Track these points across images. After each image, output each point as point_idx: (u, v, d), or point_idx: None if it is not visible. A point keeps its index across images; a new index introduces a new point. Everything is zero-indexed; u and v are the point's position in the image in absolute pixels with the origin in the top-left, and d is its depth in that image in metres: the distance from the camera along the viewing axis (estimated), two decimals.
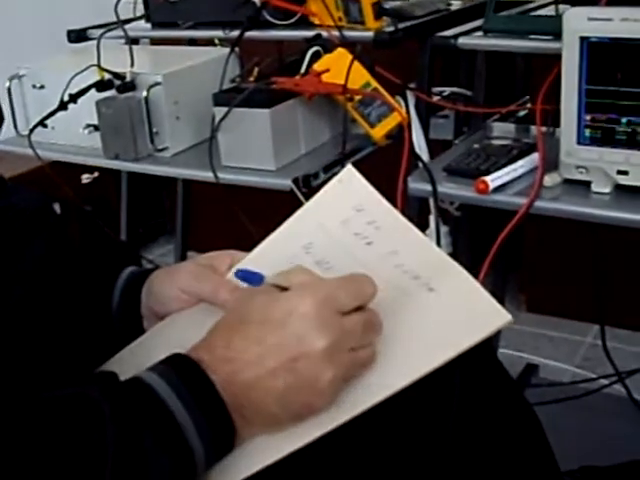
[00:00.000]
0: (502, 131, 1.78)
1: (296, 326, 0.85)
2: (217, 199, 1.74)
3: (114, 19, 1.98)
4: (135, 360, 0.99)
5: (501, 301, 2.21)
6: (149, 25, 2.09)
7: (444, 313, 0.93)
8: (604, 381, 2.27)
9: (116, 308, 1.13)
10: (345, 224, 1.04)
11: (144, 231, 3.46)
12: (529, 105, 1.82)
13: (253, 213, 1.69)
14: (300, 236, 1.06)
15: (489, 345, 1.14)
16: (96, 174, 3.11)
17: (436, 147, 1.79)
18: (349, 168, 1.08)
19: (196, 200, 2.53)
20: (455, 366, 0.92)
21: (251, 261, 1.07)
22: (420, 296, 0.95)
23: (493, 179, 1.45)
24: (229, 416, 0.83)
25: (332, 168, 1.64)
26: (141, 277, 1.13)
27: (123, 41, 2.00)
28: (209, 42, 2.15)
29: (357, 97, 1.61)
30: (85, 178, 3.10)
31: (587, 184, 1.42)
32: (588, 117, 1.38)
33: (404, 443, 1.01)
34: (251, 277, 1.01)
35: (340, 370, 0.86)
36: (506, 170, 1.47)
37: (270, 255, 1.07)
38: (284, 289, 0.91)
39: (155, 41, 2.28)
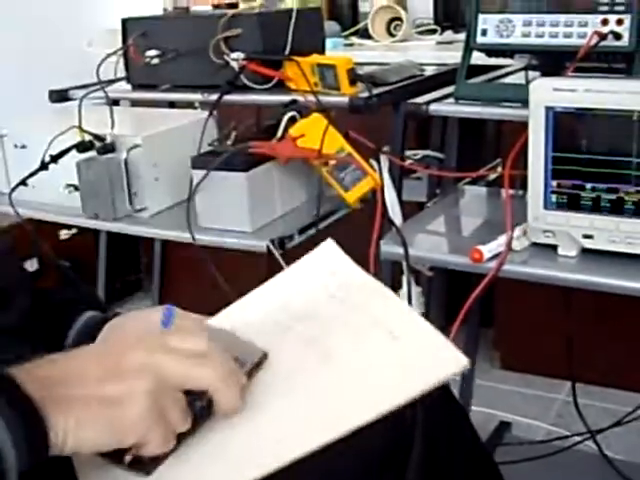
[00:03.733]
0: (473, 194, 1.83)
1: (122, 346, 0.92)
2: (193, 258, 1.77)
3: (95, 78, 2.02)
4: None
5: (473, 359, 2.24)
6: (129, 87, 2.13)
7: (403, 359, 0.97)
8: (577, 438, 2.30)
9: (70, 346, 1.15)
10: (321, 286, 1.12)
11: (121, 286, 3.47)
12: (499, 169, 1.86)
13: (229, 273, 1.71)
14: (278, 294, 1.14)
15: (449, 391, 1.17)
16: (74, 230, 3.14)
17: (410, 208, 1.83)
18: (329, 240, 1.17)
19: (173, 257, 2.57)
20: (417, 415, 0.99)
21: (225, 316, 1.14)
22: (382, 342, 1.00)
23: (489, 250, 1.48)
24: (29, 397, 0.82)
25: (307, 230, 1.67)
26: (101, 321, 1.15)
27: (104, 101, 2.05)
28: (189, 105, 2.20)
29: (332, 162, 1.66)
30: (63, 234, 3.12)
31: (554, 248, 1.46)
32: (554, 183, 1.42)
33: None
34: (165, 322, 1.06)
35: (157, 384, 0.87)
36: (498, 241, 1.50)
37: (245, 311, 1.14)
38: None
39: (135, 102, 2.33)
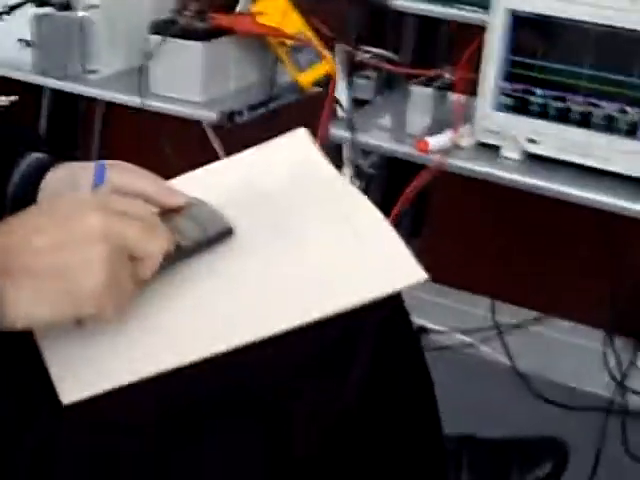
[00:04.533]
0: (422, 94, 1.85)
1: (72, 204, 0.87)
2: (135, 130, 1.76)
3: None
4: None
5: None
6: None
7: (363, 260, 0.96)
8: (488, 349, 2.36)
9: (12, 190, 1.11)
10: (288, 172, 1.09)
11: None
12: (451, 73, 1.88)
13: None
14: (243, 171, 1.11)
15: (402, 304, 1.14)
16: (13, 98, 3.08)
17: (356, 105, 1.84)
18: (303, 129, 1.13)
19: (113, 132, 2.55)
20: (369, 315, 0.95)
21: (186, 182, 1.09)
22: (346, 239, 0.98)
23: (435, 142, 1.51)
24: None
25: (257, 108, 1.69)
26: (47, 163, 1.10)
27: None
28: None
29: (289, 42, 1.66)
30: (2, 100, 3.07)
31: (498, 149, 1.49)
32: (506, 85, 1.45)
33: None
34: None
35: (113, 248, 0.83)
36: (444, 136, 1.53)
37: (209, 180, 1.11)
38: None
39: None
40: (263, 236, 1.01)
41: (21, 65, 1.85)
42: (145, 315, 0.92)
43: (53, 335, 0.89)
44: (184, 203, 1.02)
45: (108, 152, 2.57)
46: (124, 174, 1.04)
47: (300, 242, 1.00)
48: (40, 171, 1.10)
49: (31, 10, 1.75)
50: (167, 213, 1.01)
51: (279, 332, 0.90)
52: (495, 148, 1.49)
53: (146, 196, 1.02)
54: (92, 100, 2.29)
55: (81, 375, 0.89)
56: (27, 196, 1.08)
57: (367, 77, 2.15)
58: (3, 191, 1.11)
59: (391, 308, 1.00)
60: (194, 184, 1.08)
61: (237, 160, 1.13)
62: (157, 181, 1.06)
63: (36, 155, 1.13)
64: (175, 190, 1.04)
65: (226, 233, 1.00)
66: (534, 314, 2.36)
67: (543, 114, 1.43)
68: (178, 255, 0.96)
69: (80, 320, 0.86)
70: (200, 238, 0.98)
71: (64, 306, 0.82)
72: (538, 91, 1.43)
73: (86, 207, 0.85)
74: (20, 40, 1.82)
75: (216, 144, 1.82)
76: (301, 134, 1.13)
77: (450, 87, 1.84)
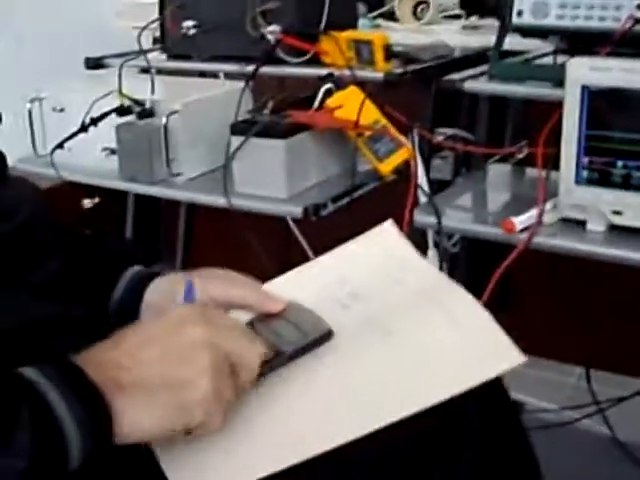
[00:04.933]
0: (500, 172, 1.87)
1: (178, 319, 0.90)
2: (219, 229, 1.79)
3: (124, 49, 2.12)
4: None
5: None
6: (164, 56, 2.17)
7: (463, 347, 0.97)
8: (587, 422, 2.33)
9: (117, 303, 1.17)
10: (379, 266, 1.11)
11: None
12: (527, 148, 1.89)
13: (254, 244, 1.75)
14: (335, 269, 1.13)
15: (502, 385, 1.17)
16: (97, 200, 3.16)
17: (433, 187, 1.86)
18: (390, 221, 1.16)
19: (196, 230, 2.60)
20: (472, 401, 0.97)
21: (281, 284, 1.12)
22: (443, 329, 1.00)
23: (521, 221, 1.52)
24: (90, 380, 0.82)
25: (340, 199, 1.71)
26: (147, 276, 1.17)
27: (136, 71, 2.10)
28: (214, 76, 2.24)
29: (367, 133, 1.69)
30: (87, 203, 3.15)
31: (583, 223, 1.50)
32: (586, 159, 1.46)
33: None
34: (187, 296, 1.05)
35: (218, 357, 0.87)
36: (529, 214, 1.54)
37: (302, 281, 1.13)
38: None
39: (163, 72, 2.36)
40: (361, 334, 1.02)
41: (107, 172, 1.90)
42: (253, 420, 0.94)
43: (169, 445, 0.91)
44: (283, 308, 1.04)
45: (192, 253, 2.62)
46: (220, 284, 1.08)
47: (399, 336, 1.00)
48: (142, 285, 1.15)
49: (113, 120, 1.81)
50: (266, 318, 1.04)
51: (386, 424, 0.90)
52: (579, 222, 1.50)
53: (246, 305, 1.05)
54: (175, 203, 2.36)
55: None
56: (131, 310, 1.14)
57: (444, 157, 2.18)
58: (106, 304, 1.16)
59: (490, 387, 1.00)
60: (289, 286, 1.11)
61: (328, 259, 1.16)
62: (254, 288, 1.09)
63: (137, 268, 1.19)
64: (273, 296, 1.07)
65: (326, 336, 1.02)
66: (631, 381, 2.33)
67: (626, 185, 1.44)
68: (280, 361, 0.98)
69: (189, 430, 0.88)
70: (301, 343, 1.00)
71: (174, 416, 0.85)
72: (619, 162, 1.44)
73: (190, 320, 0.89)
74: (105, 149, 1.88)
75: (301, 238, 1.85)
76: (388, 226, 1.16)
77: (526, 163, 1.85)
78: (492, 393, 1.09)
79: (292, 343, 1.00)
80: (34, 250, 1.12)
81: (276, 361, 0.98)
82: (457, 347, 0.97)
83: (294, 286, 1.12)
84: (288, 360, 0.99)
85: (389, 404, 0.94)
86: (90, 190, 2.16)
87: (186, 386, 0.85)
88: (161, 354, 0.86)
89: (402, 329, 1.01)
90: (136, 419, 0.83)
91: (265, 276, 1.15)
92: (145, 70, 2.08)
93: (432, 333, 1.00)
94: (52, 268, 1.13)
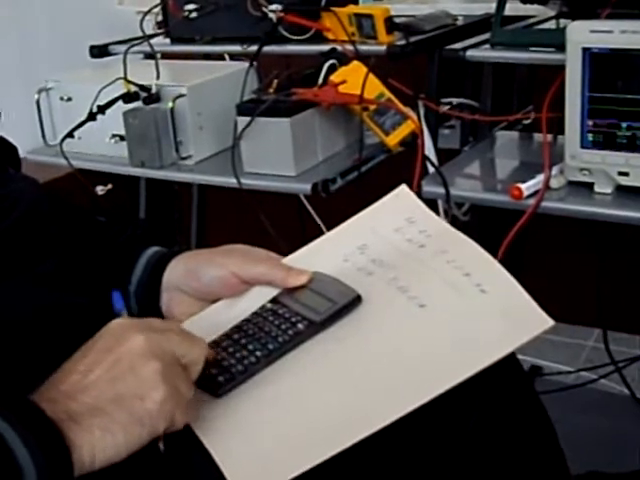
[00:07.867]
0: (507, 139, 1.87)
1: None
2: (231, 207, 1.79)
3: (127, 35, 2.13)
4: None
5: None
6: (168, 40, 2.18)
7: (492, 315, 0.96)
8: (605, 382, 2.34)
9: (136, 285, 1.17)
10: (398, 231, 1.10)
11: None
12: (533, 114, 1.90)
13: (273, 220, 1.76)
14: (354, 238, 1.12)
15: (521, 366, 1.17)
16: (110, 186, 3.18)
17: (443, 156, 1.87)
18: (403, 186, 1.15)
19: (209, 210, 2.62)
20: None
21: (301, 257, 1.12)
22: (470, 295, 0.98)
23: (528, 187, 1.52)
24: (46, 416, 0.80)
25: (348, 174, 1.72)
26: (166, 256, 1.16)
27: (141, 56, 2.11)
28: (219, 57, 2.24)
29: (372, 107, 1.70)
30: (100, 190, 3.16)
31: (590, 186, 1.51)
32: (590, 122, 1.47)
33: (421, 439, 1.03)
34: None
35: (164, 361, 0.86)
36: (536, 180, 1.54)
37: (323, 252, 1.12)
38: None
39: (167, 56, 2.37)
40: (388, 300, 1.02)
41: (117, 158, 1.92)
42: (295, 400, 0.94)
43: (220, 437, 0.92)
44: (307, 280, 1.05)
45: (206, 233, 2.64)
46: (242, 261, 1.09)
47: (426, 302, 0.99)
48: (161, 265, 1.16)
49: (121, 107, 1.83)
50: (291, 291, 1.05)
51: (426, 401, 0.89)
52: (587, 185, 1.50)
53: (270, 280, 1.06)
54: (187, 185, 2.37)
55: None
56: (152, 291, 1.15)
57: (452, 126, 2.19)
58: (125, 286, 1.17)
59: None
60: (310, 258, 1.11)
61: (346, 227, 1.15)
62: (277, 263, 1.10)
63: (154, 249, 1.20)
64: (297, 269, 1.08)
65: (355, 301, 1.01)
66: None
67: (631, 146, 1.44)
68: (313, 330, 0.99)
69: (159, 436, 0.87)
70: (330, 310, 1.00)
71: (137, 431, 0.84)
72: (624, 124, 1.44)
73: (125, 334, 0.88)
74: (114, 135, 1.90)
75: (314, 214, 1.86)
76: (403, 191, 1.15)
77: (533, 127, 1.86)
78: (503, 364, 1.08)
79: (322, 312, 1.00)
80: (37, 242, 1.12)
81: (309, 331, 0.99)
82: (488, 315, 0.96)
83: (315, 258, 1.11)
84: (320, 329, 0.99)
85: (433, 377, 0.92)
86: (102, 177, 2.17)
87: (140, 399, 0.84)
88: (107, 374, 0.85)
89: (430, 297, 0.99)
90: (100, 447, 0.81)
91: (281, 253, 1.15)
92: (149, 55, 2.09)
93: (459, 301, 0.98)
94: (56, 259, 1.13)
